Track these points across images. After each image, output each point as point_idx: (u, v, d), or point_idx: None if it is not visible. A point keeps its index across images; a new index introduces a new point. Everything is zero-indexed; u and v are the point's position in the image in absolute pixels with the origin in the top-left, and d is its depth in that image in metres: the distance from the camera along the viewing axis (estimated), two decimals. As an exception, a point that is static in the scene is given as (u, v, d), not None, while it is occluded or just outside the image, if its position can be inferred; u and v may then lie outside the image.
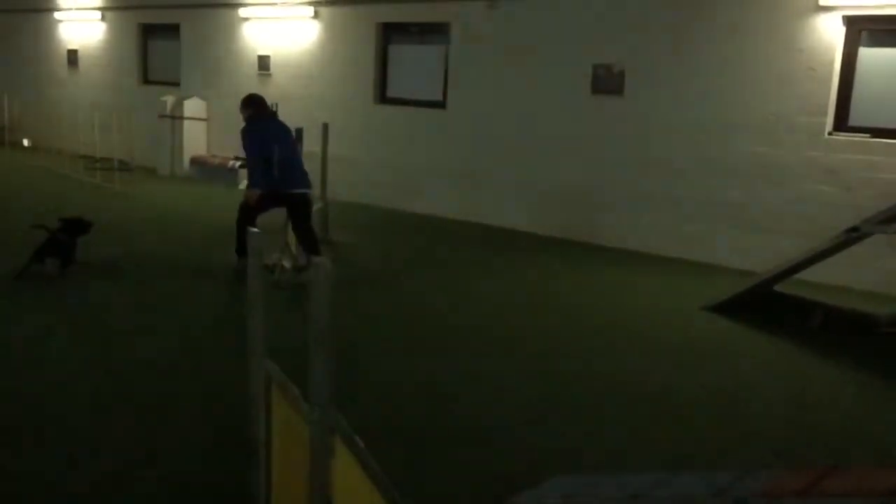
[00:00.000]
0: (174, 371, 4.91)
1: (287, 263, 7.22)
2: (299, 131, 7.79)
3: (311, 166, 8.59)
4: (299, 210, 7.38)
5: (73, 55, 16.29)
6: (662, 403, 4.79)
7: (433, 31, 10.95)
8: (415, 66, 11.31)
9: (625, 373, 5.29)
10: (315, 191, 9.05)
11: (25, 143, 16.81)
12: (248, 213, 7.25)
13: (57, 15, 16.35)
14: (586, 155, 9.55)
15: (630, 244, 9.17)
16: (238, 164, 12.71)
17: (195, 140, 13.74)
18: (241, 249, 7.29)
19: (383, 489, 1.90)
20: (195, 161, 13.55)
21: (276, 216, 7.46)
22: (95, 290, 6.68)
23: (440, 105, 10.93)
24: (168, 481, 3.40)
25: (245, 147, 7.41)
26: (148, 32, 14.97)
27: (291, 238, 7.38)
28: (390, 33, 11.49)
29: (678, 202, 8.89)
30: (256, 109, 7.60)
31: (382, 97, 11.64)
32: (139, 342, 5.41)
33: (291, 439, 2.22)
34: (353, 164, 11.52)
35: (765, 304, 6.78)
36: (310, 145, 8.64)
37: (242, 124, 7.48)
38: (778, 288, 6.88)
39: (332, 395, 1.93)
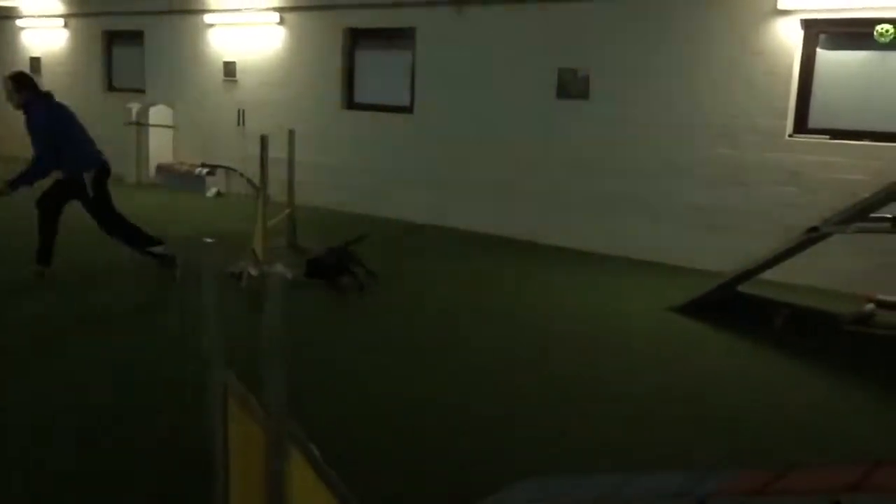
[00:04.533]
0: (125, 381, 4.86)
1: (253, 271, 7.17)
2: (264, 138, 7.72)
3: (278, 172, 8.59)
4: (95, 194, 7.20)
5: (35, 63, 16.05)
6: (625, 403, 4.83)
7: (399, 37, 10.95)
8: (381, 72, 11.31)
9: (588, 374, 5.33)
10: (281, 197, 9.05)
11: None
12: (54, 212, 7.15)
13: (19, 22, 16.12)
14: (552, 158, 9.61)
15: (596, 246, 9.21)
16: (205, 171, 12.62)
17: (161, 147, 13.62)
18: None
19: (339, 495, 1.90)
20: (161, 168, 13.43)
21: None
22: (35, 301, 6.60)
23: (407, 110, 10.94)
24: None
25: (37, 133, 6.93)
26: (112, 39, 14.82)
27: (258, 244, 7.34)
28: (357, 39, 11.47)
29: (644, 204, 8.97)
30: (34, 90, 7.13)
31: (350, 102, 11.62)
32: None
33: (250, 450, 2.21)
34: (321, 169, 11.47)
35: (730, 305, 6.87)
36: (277, 151, 8.60)
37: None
38: (742, 288, 6.97)
39: (285, 402, 1.93)
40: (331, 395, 4.77)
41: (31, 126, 6.99)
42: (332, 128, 11.61)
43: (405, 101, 10.97)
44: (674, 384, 5.19)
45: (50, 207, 7.18)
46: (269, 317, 1.89)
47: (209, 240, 2.34)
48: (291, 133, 8.71)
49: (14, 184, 6.97)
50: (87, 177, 7.12)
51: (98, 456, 3.84)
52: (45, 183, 7.19)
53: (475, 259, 8.85)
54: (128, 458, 3.81)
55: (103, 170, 7.33)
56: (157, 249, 7.48)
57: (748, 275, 6.80)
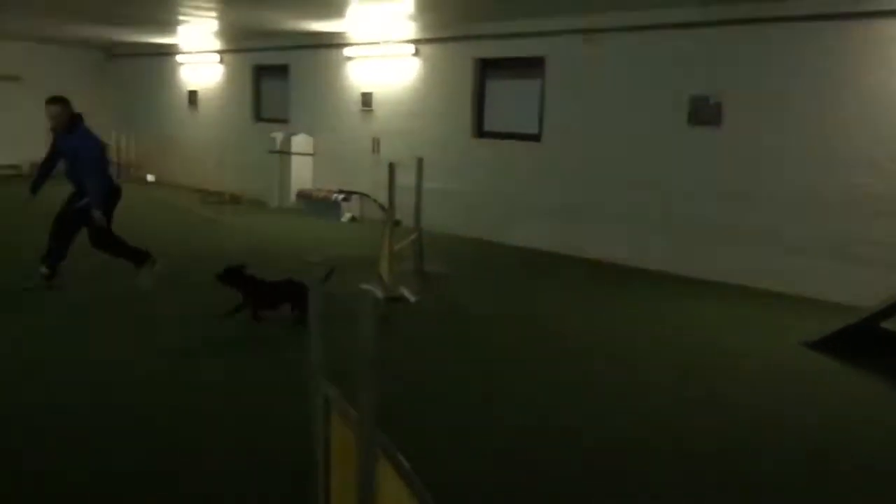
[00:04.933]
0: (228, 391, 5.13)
1: (379, 293, 7.42)
2: (392, 165, 7.99)
3: (409, 199, 8.88)
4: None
5: (193, 96, 17.30)
6: (752, 438, 4.67)
7: (529, 66, 11.08)
8: (510, 101, 11.47)
9: (718, 405, 5.18)
10: (406, 220, 9.32)
11: (149, 178, 17.89)
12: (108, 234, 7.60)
13: (179, 58, 17.44)
14: (684, 186, 9.42)
15: (731, 278, 8.94)
16: (341, 197, 13.17)
17: (302, 174, 14.30)
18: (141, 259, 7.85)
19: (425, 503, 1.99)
20: (301, 194, 14.10)
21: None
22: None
23: (535, 138, 11.02)
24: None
25: (88, 156, 7.35)
26: (261, 73, 15.75)
27: (384, 267, 7.59)
28: (487, 68, 11.70)
29: (779, 234, 8.63)
30: (74, 115, 7.51)
31: (480, 131, 11.84)
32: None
33: (348, 457, 2.33)
34: (450, 196, 11.74)
35: (870, 342, 6.49)
36: (408, 178, 8.90)
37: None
38: (886, 325, 6.58)
39: (374, 414, 2.04)
40: (497, 425, 4.87)
41: (80, 148, 7.40)
42: (462, 156, 11.86)
43: (534, 130, 11.06)
44: (803, 422, 4.96)
45: (108, 231, 7.69)
46: (362, 334, 2.01)
47: (316, 261, 2.50)
48: (420, 161, 8.97)
49: (36, 187, 7.49)
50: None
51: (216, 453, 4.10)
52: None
53: (605, 289, 8.77)
54: (240, 460, 4.04)
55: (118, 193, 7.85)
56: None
57: (893, 310, 6.40)
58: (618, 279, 9.26)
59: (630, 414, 5.02)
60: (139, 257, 7.95)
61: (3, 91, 17.84)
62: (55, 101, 7.51)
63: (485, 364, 5.98)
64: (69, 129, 7.47)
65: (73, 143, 7.43)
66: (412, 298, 7.60)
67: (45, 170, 7.61)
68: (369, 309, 2.03)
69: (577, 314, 7.61)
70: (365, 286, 7.42)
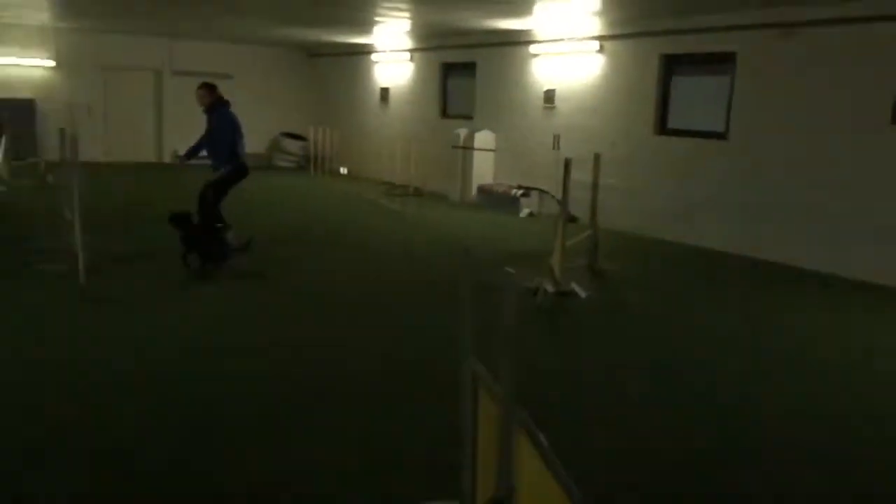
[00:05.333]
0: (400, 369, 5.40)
1: (549, 287, 7.52)
2: (568, 161, 8.06)
3: (588, 195, 8.93)
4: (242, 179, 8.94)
5: (385, 93, 18.15)
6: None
7: (717, 62, 10.73)
8: (696, 97, 11.16)
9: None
10: (584, 217, 9.34)
11: (342, 171, 18.96)
12: (218, 194, 8.73)
13: (373, 57, 18.34)
14: (884, 187, 8.79)
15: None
16: (520, 192, 13.36)
17: (483, 169, 14.63)
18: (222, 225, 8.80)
19: (561, 479, 2.11)
20: (482, 189, 14.43)
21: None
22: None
23: (722, 136, 10.66)
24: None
25: (219, 129, 8.72)
26: (448, 70, 16.26)
27: (556, 262, 7.68)
28: (672, 64, 11.44)
29: None
30: (220, 96, 8.91)
31: (663, 128, 11.60)
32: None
33: (492, 431, 2.49)
34: (630, 194, 11.62)
35: None
36: (587, 175, 8.95)
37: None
38: None
39: (514, 391, 2.18)
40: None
41: (216, 123, 8.81)
42: (643, 153, 11.68)
43: (720, 127, 10.70)
44: None
45: (216, 199, 8.80)
46: (505, 315, 2.15)
47: (468, 249, 2.66)
48: (597, 157, 8.96)
49: (188, 157, 8.95)
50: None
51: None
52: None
53: (790, 297, 8.38)
54: (392, 425, 4.30)
55: (246, 169, 8.98)
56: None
57: None
58: (807, 285, 8.80)
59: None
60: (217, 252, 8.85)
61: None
62: (201, 86, 9.03)
63: (648, 362, 5.93)
64: (210, 109, 8.89)
65: (212, 122, 8.87)
66: (583, 294, 7.64)
67: (199, 142, 9.03)
68: (511, 291, 2.16)
69: (756, 321, 7.34)
70: (512, 274, 7.54)
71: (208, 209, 8.75)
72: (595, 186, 8.98)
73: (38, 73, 18.03)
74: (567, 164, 7.94)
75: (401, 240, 10.56)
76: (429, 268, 8.92)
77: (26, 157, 14.28)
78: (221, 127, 8.84)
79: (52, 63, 18.18)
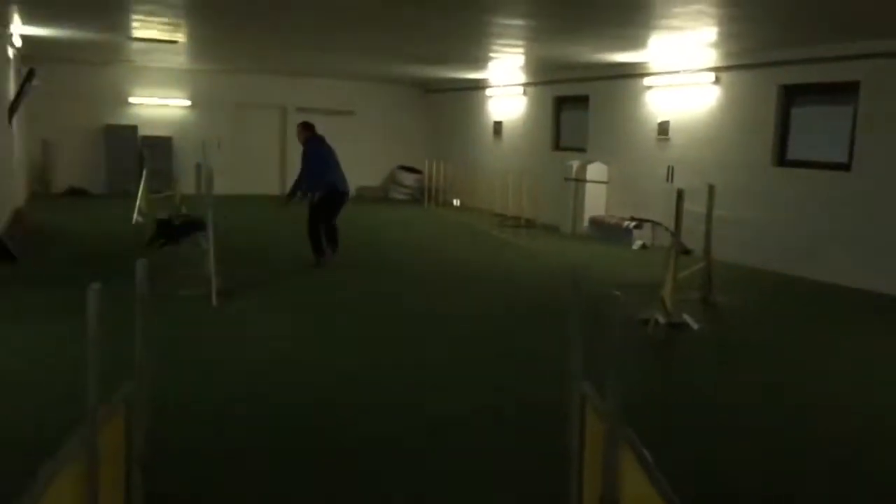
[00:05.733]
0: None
1: (661, 318, 7.50)
2: (681, 192, 8.03)
3: (697, 227, 8.87)
4: (340, 205, 10.35)
5: (498, 126, 18.47)
6: None
7: (840, 91, 10.44)
8: (817, 127, 10.88)
9: None
10: (698, 249, 9.24)
11: (455, 203, 19.34)
12: (313, 219, 10.15)
13: (487, 91, 18.72)
14: None
15: None
16: (633, 224, 13.31)
17: (595, 201, 14.65)
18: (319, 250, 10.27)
19: (665, 494, 2.21)
20: (594, 221, 14.44)
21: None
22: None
23: (844, 167, 10.34)
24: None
25: (309, 161, 10.19)
26: (561, 103, 16.41)
27: (667, 294, 7.66)
28: (792, 94, 11.21)
29: None
30: (313, 133, 10.42)
31: (782, 159, 11.35)
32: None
33: (598, 449, 2.61)
34: (747, 226, 11.40)
35: None
36: (701, 206, 8.90)
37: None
38: None
39: (620, 410, 2.30)
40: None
41: (307, 155, 10.24)
42: (760, 184, 11.45)
43: (842, 158, 10.39)
44: None
45: (312, 221, 10.22)
46: (609, 337, 2.29)
47: (579, 271, 2.80)
48: (711, 188, 8.89)
49: (290, 195, 10.45)
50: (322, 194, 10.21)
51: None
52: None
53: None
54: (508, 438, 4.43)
55: (339, 194, 10.35)
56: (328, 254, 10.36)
57: None
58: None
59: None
60: (318, 251, 10.27)
61: (339, 124, 20.38)
62: (299, 124, 10.66)
63: (759, 397, 5.84)
64: (305, 144, 10.37)
65: (306, 155, 10.33)
66: (695, 326, 7.58)
67: (297, 179, 10.48)
68: (615, 313, 2.30)
69: (881, 363, 7.07)
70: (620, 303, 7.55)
71: (309, 233, 10.22)
72: (709, 218, 8.90)
73: (175, 112, 19.35)
74: (679, 195, 7.94)
75: (511, 269, 10.72)
76: (538, 296, 9.03)
77: (163, 190, 15.31)
78: (311, 159, 10.23)
79: (187, 102, 19.48)
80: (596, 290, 3.62)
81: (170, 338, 6.51)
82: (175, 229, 10.29)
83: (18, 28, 12.48)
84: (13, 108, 12.04)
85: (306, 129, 10.49)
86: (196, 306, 7.70)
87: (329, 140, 10.66)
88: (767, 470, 4.47)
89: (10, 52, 13.10)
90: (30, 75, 11.78)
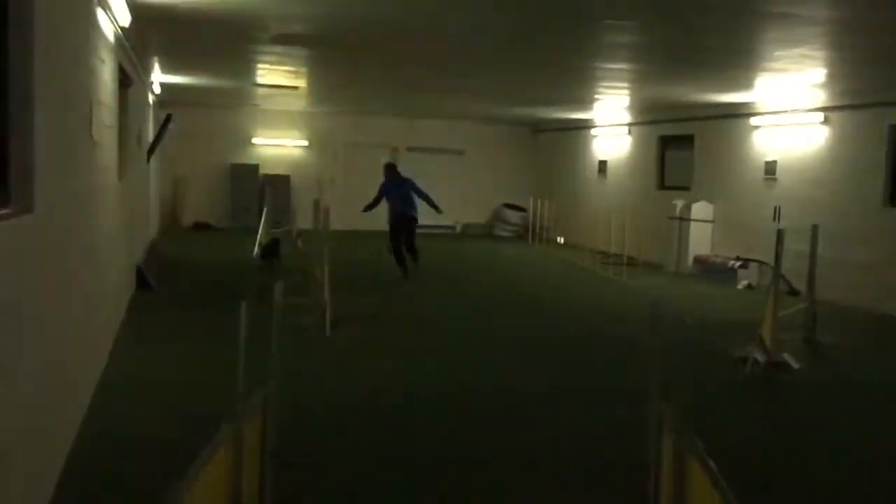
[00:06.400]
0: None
1: (760, 357, 7.56)
2: (780, 232, 8.07)
3: (800, 265, 8.85)
4: (411, 227, 12.53)
5: (602, 165, 18.70)
6: None
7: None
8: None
9: None
10: (799, 286, 9.17)
11: (559, 240, 19.58)
12: (395, 237, 12.56)
13: (592, 131, 19.00)
14: None
15: None
16: (738, 264, 13.24)
17: (700, 240, 14.63)
18: (402, 264, 12.54)
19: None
20: (698, 260, 14.42)
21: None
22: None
23: (959, 208, 10.09)
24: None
25: (379, 192, 12.91)
26: (666, 143, 16.51)
27: (766, 332, 7.70)
28: (904, 133, 11.04)
29: None
30: (389, 170, 12.97)
31: (893, 199, 11.14)
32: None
33: (675, 462, 2.89)
34: (857, 267, 11.20)
35: None
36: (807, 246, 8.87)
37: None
38: None
39: (682, 422, 2.59)
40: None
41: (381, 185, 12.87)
42: (871, 225, 11.25)
43: (958, 198, 10.15)
44: None
45: (392, 239, 12.60)
46: (655, 355, 2.59)
47: (689, 322, 3.11)
48: (814, 228, 8.87)
49: (365, 210, 13.04)
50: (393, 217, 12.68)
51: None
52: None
53: None
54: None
55: (404, 218, 12.55)
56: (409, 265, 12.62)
57: None
58: None
59: None
60: (399, 264, 12.51)
61: (450, 163, 21.11)
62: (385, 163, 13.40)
63: (850, 440, 5.85)
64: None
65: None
66: (795, 365, 7.59)
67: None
68: (655, 327, 2.59)
69: None
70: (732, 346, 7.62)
71: (391, 249, 12.62)
72: (812, 258, 8.87)
73: (293, 152, 20.50)
74: (779, 236, 7.99)
75: (610, 304, 10.89)
76: (635, 330, 9.18)
77: (282, 225, 16.28)
78: (379, 188, 12.92)
79: (305, 142, 20.60)
80: (680, 322, 3.75)
81: (288, 361, 7.07)
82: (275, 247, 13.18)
83: (158, 76, 13.71)
84: (151, 150, 13.16)
85: (385, 167, 13.13)
86: (311, 334, 8.27)
87: (416, 175, 13.15)
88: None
89: (150, 98, 14.33)
90: (167, 120, 12.86)
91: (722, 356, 7.98)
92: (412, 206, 12.65)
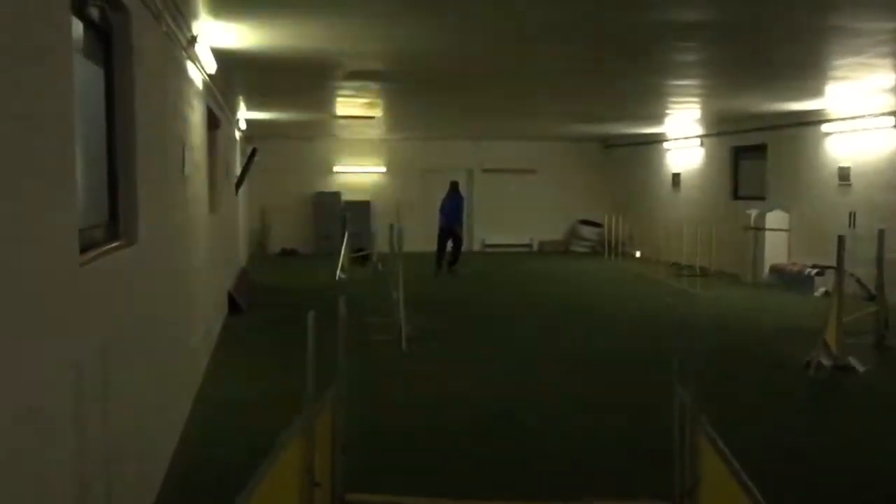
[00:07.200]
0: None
1: (825, 361, 7.66)
2: (841, 239, 8.15)
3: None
4: (446, 236, 16.14)
5: (676, 178, 18.75)
6: None
7: None
8: None
9: None
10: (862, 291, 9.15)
11: (636, 254, 19.68)
12: (441, 243, 16.21)
13: (664, 145, 19.09)
14: None
15: None
16: (815, 271, 13.17)
17: (776, 249, 14.57)
18: (438, 265, 16.13)
19: (739, 478, 2.82)
20: (774, 269, 14.36)
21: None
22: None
23: None
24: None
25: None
26: (738, 153, 16.50)
27: (831, 335, 7.78)
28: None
29: None
30: (453, 187, 16.69)
31: (969, 201, 10.97)
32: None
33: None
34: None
35: None
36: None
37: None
38: None
39: (693, 404, 2.94)
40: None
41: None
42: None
43: None
44: None
45: (440, 243, 16.29)
46: (680, 347, 2.94)
47: (670, 303, 3.45)
48: (881, 232, 8.91)
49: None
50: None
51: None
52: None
53: None
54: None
55: (445, 228, 16.18)
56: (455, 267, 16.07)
57: None
58: None
59: None
60: (436, 265, 15.99)
61: (523, 182, 21.50)
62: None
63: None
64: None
65: None
66: (860, 368, 7.66)
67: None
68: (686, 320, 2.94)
69: None
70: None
71: (438, 253, 16.31)
72: (879, 261, 8.90)
73: (372, 178, 21.29)
74: (840, 242, 8.12)
75: (683, 316, 11.03)
76: (701, 340, 9.36)
77: (362, 249, 16.97)
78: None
79: (383, 169, 21.36)
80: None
81: (366, 373, 7.62)
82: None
83: (243, 114, 14.63)
84: (239, 183, 14.05)
85: (452, 186, 16.74)
86: (388, 350, 8.79)
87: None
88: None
89: (237, 134, 15.28)
90: (253, 154, 13.73)
91: (790, 362, 8.08)
92: (456, 220, 16.23)
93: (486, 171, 21.41)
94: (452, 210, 16.16)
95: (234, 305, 11.03)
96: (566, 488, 4.83)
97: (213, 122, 9.79)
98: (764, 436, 5.76)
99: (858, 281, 11.52)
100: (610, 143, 21.82)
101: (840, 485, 4.94)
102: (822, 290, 13.07)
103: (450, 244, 16.43)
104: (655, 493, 3.82)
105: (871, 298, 10.92)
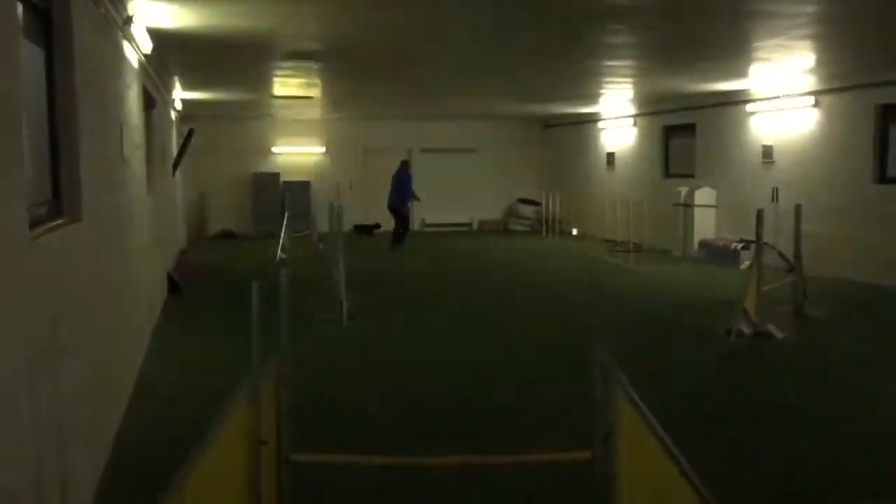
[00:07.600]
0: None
1: (746, 329, 8.11)
2: (760, 212, 8.61)
3: (807, 245, 9.39)
4: (398, 214, 16.85)
5: (610, 157, 19.23)
6: None
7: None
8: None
9: None
10: (812, 269, 9.67)
11: (574, 231, 20.12)
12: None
13: (600, 124, 19.55)
14: None
15: None
16: (740, 245, 13.74)
17: (705, 225, 15.15)
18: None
19: (653, 429, 3.10)
20: (703, 244, 14.93)
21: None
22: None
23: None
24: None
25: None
26: (669, 132, 17.03)
27: (750, 306, 8.23)
28: (889, 113, 11.48)
29: None
30: (404, 165, 17.45)
31: (882, 177, 11.60)
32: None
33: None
34: (847, 242, 11.67)
35: None
36: (807, 225, 9.45)
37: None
38: None
39: (613, 364, 3.22)
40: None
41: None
42: (862, 202, 11.72)
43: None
44: None
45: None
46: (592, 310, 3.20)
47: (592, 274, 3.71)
48: (798, 207, 9.42)
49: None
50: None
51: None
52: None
53: None
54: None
55: (389, 206, 17.01)
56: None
57: None
58: None
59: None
60: (397, 239, 16.62)
61: (461, 161, 21.75)
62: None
63: (824, 403, 6.33)
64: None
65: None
66: (779, 335, 8.13)
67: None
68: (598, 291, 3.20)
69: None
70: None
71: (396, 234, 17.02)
72: (797, 234, 9.40)
73: (312, 159, 21.27)
74: (759, 215, 8.56)
75: (618, 289, 11.46)
76: (630, 311, 9.76)
77: (302, 230, 17.02)
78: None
79: (322, 149, 21.36)
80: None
81: (307, 348, 7.79)
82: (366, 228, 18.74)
83: (179, 94, 14.50)
84: (176, 163, 13.94)
85: (403, 163, 17.55)
86: (329, 326, 8.96)
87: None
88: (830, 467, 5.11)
89: (173, 114, 15.13)
90: (190, 134, 13.63)
91: (713, 330, 8.48)
92: (400, 199, 16.78)
93: (425, 150, 21.56)
94: (396, 188, 16.83)
95: (173, 286, 11.03)
96: (502, 441, 5.10)
97: (150, 102, 9.75)
98: (679, 396, 6.12)
99: (780, 253, 12.07)
100: (548, 123, 22.19)
101: (751, 441, 5.31)
102: (747, 263, 13.60)
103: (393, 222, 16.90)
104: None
105: (792, 270, 11.51)
